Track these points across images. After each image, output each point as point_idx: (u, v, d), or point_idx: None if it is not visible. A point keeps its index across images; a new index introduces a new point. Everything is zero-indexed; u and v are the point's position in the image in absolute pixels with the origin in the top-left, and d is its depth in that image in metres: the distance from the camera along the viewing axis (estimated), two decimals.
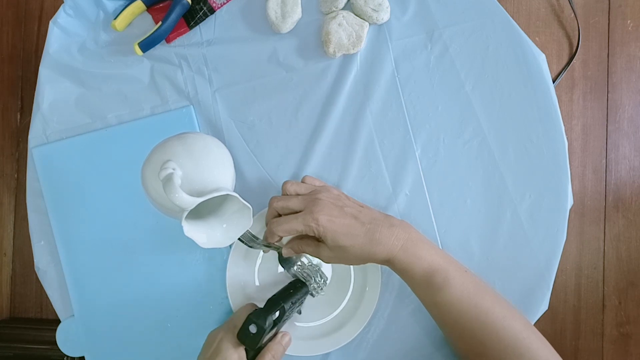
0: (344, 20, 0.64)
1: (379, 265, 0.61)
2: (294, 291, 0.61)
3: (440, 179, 0.65)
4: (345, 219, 0.54)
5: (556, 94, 0.65)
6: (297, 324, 0.64)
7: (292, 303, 0.58)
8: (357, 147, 0.66)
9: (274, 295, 0.59)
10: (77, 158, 0.66)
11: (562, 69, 0.70)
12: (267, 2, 0.66)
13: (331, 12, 0.66)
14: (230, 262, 0.64)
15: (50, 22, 0.68)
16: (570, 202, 0.65)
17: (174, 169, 0.50)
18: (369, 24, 0.66)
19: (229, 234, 0.55)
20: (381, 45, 0.66)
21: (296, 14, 0.65)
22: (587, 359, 0.70)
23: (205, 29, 0.68)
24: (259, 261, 0.65)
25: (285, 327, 0.63)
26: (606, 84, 0.71)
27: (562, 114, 0.65)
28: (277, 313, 0.56)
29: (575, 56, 0.70)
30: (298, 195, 0.58)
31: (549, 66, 0.66)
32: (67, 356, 0.67)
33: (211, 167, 0.54)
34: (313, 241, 0.57)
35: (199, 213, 0.54)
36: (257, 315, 0.55)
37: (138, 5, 0.66)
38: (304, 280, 0.63)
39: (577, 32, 0.70)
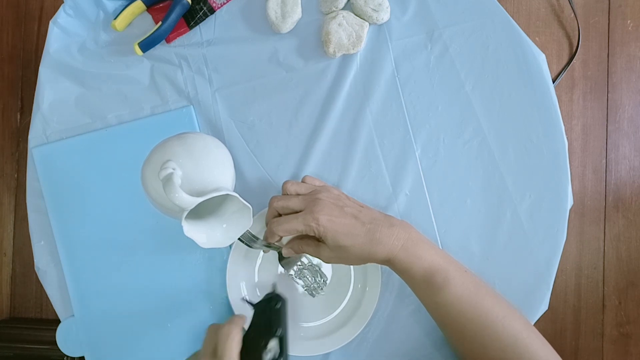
0: (344, 20, 0.64)
1: (379, 265, 0.61)
2: (277, 317, 0.53)
3: (440, 179, 0.65)
4: (346, 219, 0.54)
5: (556, 94, 0.65)
6: (298, 324, 0.64)
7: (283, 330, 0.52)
8: (357, 147, 0.66)
9: (265, 331, 0.51)
10: (77, 158, 0.66)
11: (562, 69, 0.70)
12: (267, 2, 0.66)
13: (331, 12, 0.66)
14: (230, 262, 0.64)
15: (50, 22, 0.68)
16: (570, 202, 0.65)
17: (174, 169, 0.50)
18: (369, 24, 0.66)
19: (229, 234, 0.55)
20: (381, 45, 0.66)
21: (296, 14, 0.65)
22: (587, 359, 0.70)
23: (205, 29, 0.68)
24: (259, 261, 0.65)
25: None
26: (606, 84, 0.71)
27: (562, 114, 0.65)
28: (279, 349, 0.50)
29: (575, 56, 0.70)
30: (298, 195, 0.58)
31: (549, 66, 0.66)
32: (67, 356, 0.67)
33: (211, 167, 0.54)
34: (313, 241, 0.57)
35: (198, 213, 0.54)
36: None
37: (138, 5, 0.66)
38: (277, 295, 0.56)
39: (577, 32, 0.70)
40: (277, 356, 0.50)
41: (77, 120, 0.68)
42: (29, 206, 0.66)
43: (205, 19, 0.67)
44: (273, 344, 0.51)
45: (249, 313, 0.55)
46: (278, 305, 0.54)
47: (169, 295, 0.66)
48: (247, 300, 0.57)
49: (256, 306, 0.55)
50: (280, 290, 0.58)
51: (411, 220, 0.64)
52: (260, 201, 0.64)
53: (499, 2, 0.66)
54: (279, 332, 0.51)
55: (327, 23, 0.65)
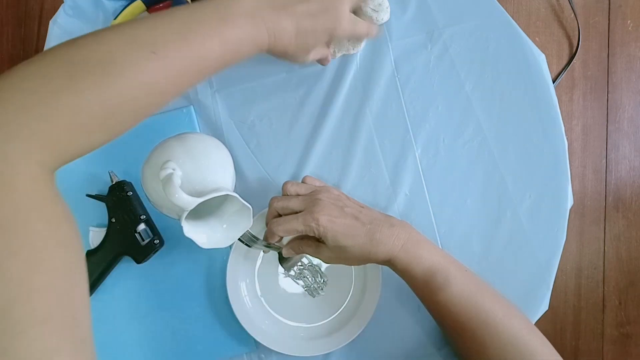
0: None
1: (379, 265, 0.61)
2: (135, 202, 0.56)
3: (440, 179, 0.65)
4: (346, 219, 0.54)
5: (556, 94, 0.65)
6: (298, 324, 0.64)
7: None
8: (357, 147, 0.66)
9: None
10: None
11: (562, 69, 0.70)
12: None
13: None
14: (230, 262, 0.64)
15: (50, 22, 0.68)
16: (570, 202, 0.65)
17: (174, 169, 0.50)
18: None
19: (229, 234, 0.55)
20: (381, 46, 0.66)
21: None
22: (587, 359, 0.70)
23: None
24: (259, 261, 0.65)
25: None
26: (606, 84, 0.71)
27: (562, 114, 0.65)
28: None
29: (575, 56, 0.70)
30: (298, 195, 0.58)
31: (549, 66, 0.66)
32: None
33: (211, 167, 0.54)
34: (313, 241, 0.57)
35: (199, 213, 0.54)
36: None
37: (138, 5, 0.66)
38: None
39: (577, 32, 0.70)
40: (151, 238, 0.54)
41: None
42: None
43: None
44: (142, 228, 0.55)
45: (101, 209, 0.58)
46: (130, 193, 0.58)
47: (168, 295, 0.65)
48: (93, 195, 0.59)
49: (108, 199, 0.58)
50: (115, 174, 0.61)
51: (411, 220, 0.64)
52: (260, 201, 0.63)
53: (499, 2, 0.66)
54: (143, 217, 0.54)
55: None
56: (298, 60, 0.51)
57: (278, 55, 0.50)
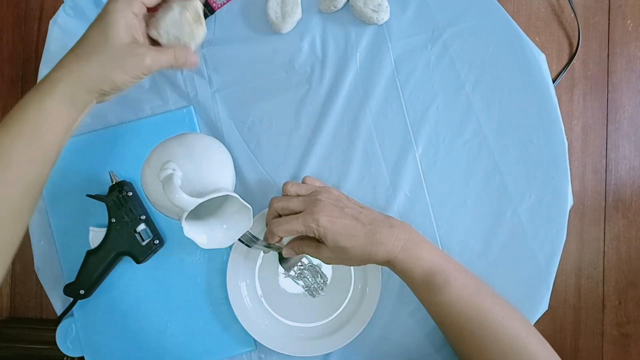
0: None
1: (379, 265, 0.61)
2: (134, 203, 0.58)
3: (440, 179, 0.65)
4: (346, 220, 0.54)
5: (556, 94, 0.65)
6: (298, 324, 0.64)
7: None
8: (357, 147, 0.66)
9: None
10: (77, 158, 0.66)
11: (562, 69, 0.70)
12: (267, 2, 0.66)
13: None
14: (230, 262, 0.64)
15: (50, 22, 0.68)
16: (570, 202, 0.65)
17: (173, 170, 0.50)
18: (369, 24, 0.66)
19: (229, 234, 0.55)
20: (381, 46, 0.66)
21: (296, 14, 0.65)
22: (587, 359, 0.70)
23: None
24: (259, 262, 0.65)
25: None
26: (606, 84, 0.71)
27: (562, 114, 0.65)
28: None
29: (575, 56, 0.70)
30: (298, 196, 0.58)
31: (549, 66, 0.66)
32: (67, 356, 0.67)
33: (211, 167, 0.54)
34: (313, 242, 0.57)
35: (199, 214, 0.54)
36: None
37: None
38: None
39: (577, 32, 0.70)
40: (151, 238, 0.56)
41: None
42: None
43: (205, 19, 0.67)
44: (142, 228, 0.57)
45: (101, 209, 0.61)
46: (130, 193, 0.61)
47: (168, 295, 0.66)
48: (93, 196, 0.61)
49: (108, 199, 0.60)
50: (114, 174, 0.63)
51: (411, 220, 0.64)
52: (260, 202, 0.64)
53: (499, 2, 0.66)
54: (143, 217, 0.56)
55: None
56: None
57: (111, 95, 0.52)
